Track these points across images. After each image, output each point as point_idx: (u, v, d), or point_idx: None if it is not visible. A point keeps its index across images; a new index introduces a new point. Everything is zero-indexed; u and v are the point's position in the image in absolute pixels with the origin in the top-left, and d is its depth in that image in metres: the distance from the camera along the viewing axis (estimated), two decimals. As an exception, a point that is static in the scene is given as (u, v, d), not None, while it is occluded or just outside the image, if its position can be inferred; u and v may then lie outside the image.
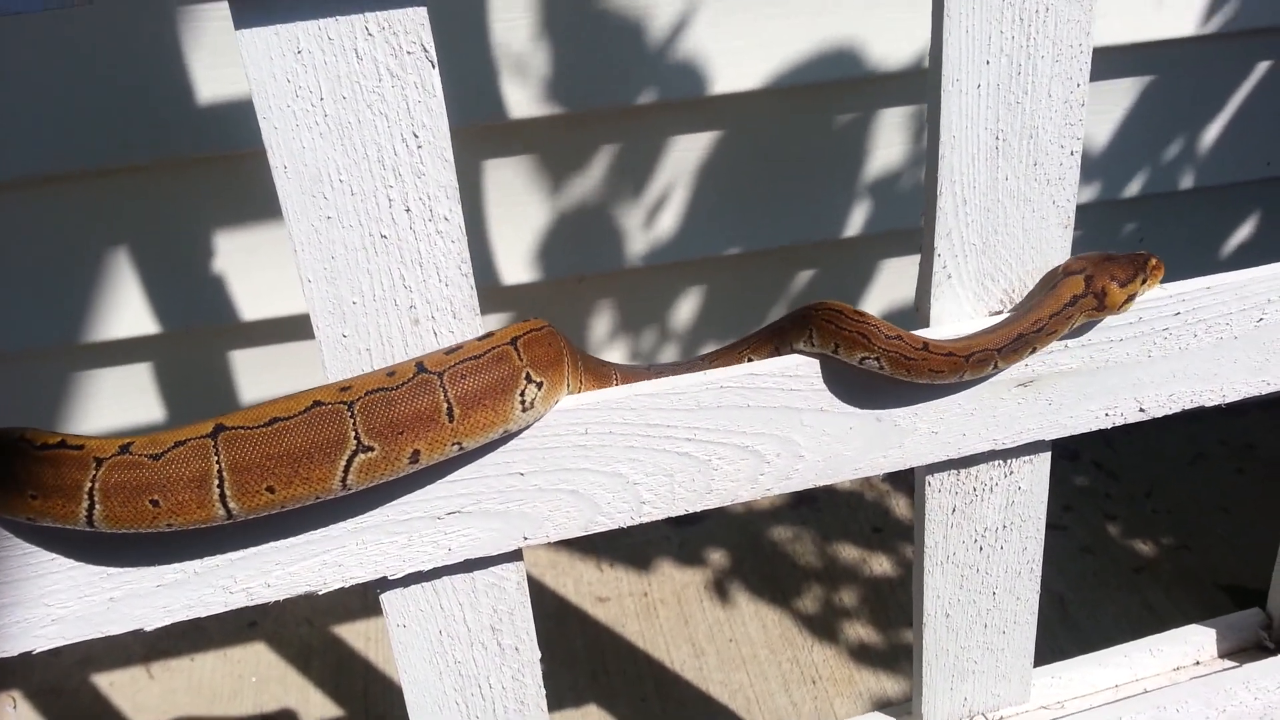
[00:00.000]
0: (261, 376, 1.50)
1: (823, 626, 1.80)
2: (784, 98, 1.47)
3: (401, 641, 0.70)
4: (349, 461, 0.58)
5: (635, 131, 1.55)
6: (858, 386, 0.69)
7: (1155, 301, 0.71)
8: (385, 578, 0.66)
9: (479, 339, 0.63)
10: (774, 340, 0.71)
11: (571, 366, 0.66)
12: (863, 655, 1.71)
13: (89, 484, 0.57)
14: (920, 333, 0.69)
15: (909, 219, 1.69)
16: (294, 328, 1.43)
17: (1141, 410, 0.74)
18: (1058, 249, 0.69)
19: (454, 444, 0.60)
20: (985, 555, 0.79)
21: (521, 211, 1.57)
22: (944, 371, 0.67)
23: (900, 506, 1.91)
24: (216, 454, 0.57)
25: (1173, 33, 1.66)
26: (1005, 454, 0.75)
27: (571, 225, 1.60)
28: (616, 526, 0.69)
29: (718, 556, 1.93)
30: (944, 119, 0.63)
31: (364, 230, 0.58)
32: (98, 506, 0.57)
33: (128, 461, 0.57)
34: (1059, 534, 1.97)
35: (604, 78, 1.45)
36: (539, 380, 0.63)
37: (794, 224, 1.59)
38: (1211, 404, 0.76)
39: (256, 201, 1.32)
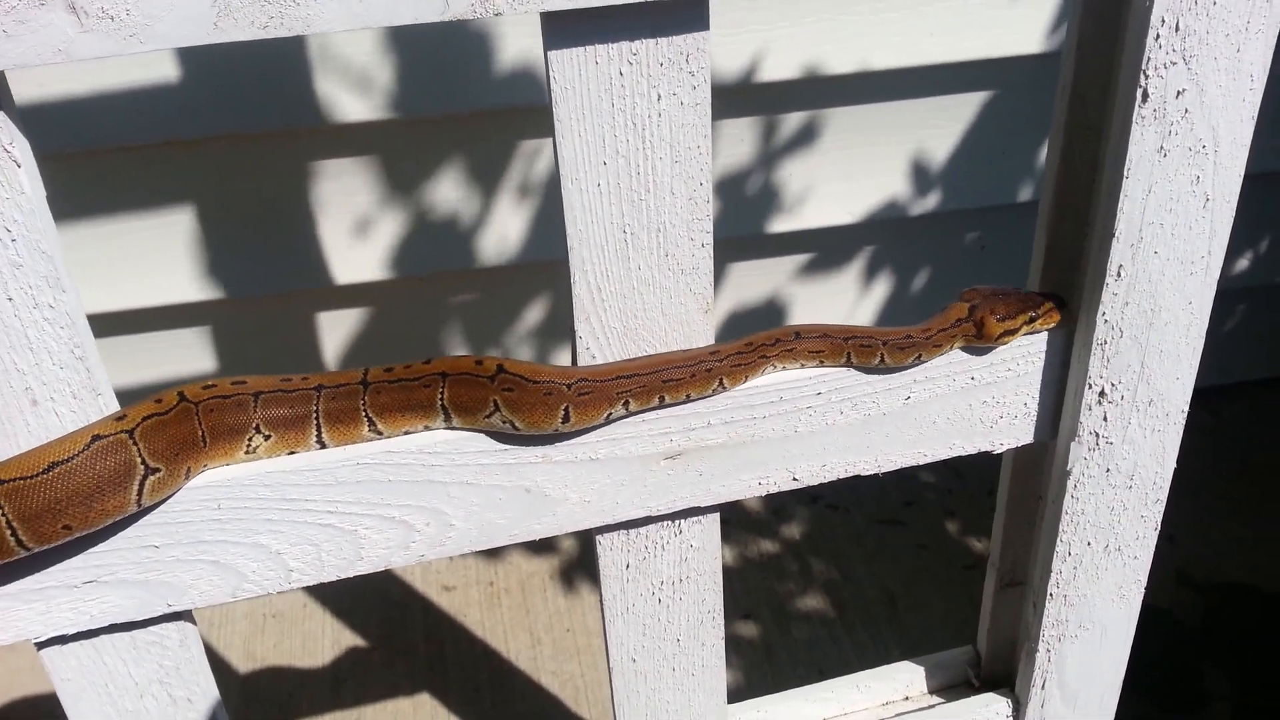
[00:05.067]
0: None
1: (659, 619, 1.85)
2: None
3: (69, 694, 0.73)
4: (140, 486, 0.63)
5: (480, 135, 1.55)
6: (504, 457, 0.72)
7: (796, 382, 0.74)
8: (32, 641, 0.68)
9: (282, 378, 0.70)
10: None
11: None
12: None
13: None
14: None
15: (750, 225, 1.71)
16: None
17: (795, 480, 0.78)
18: (701, 331, 0.72)
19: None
20: (665, 606, 0.83)
21: (360, 212, 1.57)
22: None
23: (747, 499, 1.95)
24: (1, 509, 0.60)
25: (1016, 50, 1.68)
26: (669, 517, 0.79)
27: (415, 225, 1.61)
28: (266, 593, 0.71)
29: (568, 545, 1.97)
30: (568, 214, 0.65)
31: (-33, 320, 0.60)
32: None
33: None
34: (897, 529, 2.03)
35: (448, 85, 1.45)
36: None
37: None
38: (868, 473, 0.79)
39: None
